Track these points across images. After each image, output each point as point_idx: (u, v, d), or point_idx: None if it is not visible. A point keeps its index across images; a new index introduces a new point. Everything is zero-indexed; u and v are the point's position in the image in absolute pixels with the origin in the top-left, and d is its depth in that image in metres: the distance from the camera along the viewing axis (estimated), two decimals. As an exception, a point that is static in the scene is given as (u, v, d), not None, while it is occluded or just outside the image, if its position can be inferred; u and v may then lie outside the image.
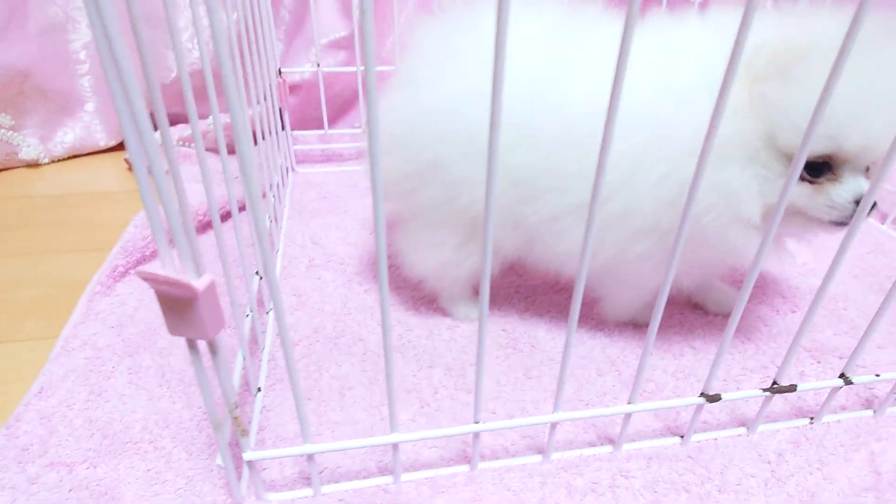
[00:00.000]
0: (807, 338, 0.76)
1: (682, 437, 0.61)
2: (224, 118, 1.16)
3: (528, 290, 0.85)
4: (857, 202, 0.54)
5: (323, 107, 1.16)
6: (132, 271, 0.86)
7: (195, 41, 1.16)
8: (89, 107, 1.26)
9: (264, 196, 0.99)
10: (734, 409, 0.65)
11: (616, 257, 0.64)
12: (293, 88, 1.24)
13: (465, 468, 0.58)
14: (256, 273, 0.77)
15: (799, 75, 0.51)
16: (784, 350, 0.74)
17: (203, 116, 1.17)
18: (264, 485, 0.56)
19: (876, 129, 0.51)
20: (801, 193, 0.56)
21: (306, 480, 0.56)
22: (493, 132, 0.37)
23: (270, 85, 1.04)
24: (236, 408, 0.47)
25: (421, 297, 0.83)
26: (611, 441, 0.61)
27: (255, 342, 0.73)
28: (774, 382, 0.58)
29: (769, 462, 0.59)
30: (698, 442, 0.61)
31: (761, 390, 0.58)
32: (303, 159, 1.25)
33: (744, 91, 0.53)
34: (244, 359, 0.62)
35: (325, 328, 0.77)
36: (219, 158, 1.00)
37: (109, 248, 0.90)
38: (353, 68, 1.13)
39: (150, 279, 0.37)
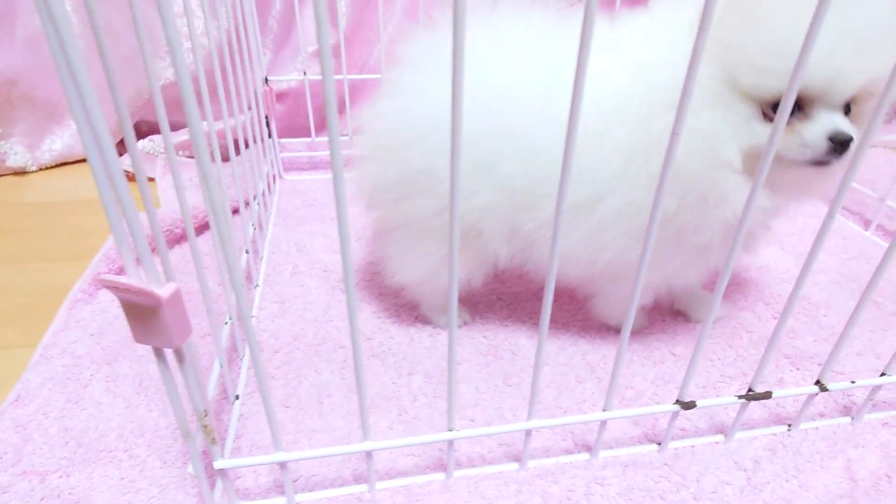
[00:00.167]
0: (787, 344, 0.76)
1: (659, 444, 0.61)
2: (217, 125, 1.16)
3: (511, 297, 0.85)
4: (832, 139, 0.52)
5: (310, 114, 1.17)
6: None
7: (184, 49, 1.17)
8: (77, 115, 1.26)
9: (248, 205, 0.99)
10: (713, 416, 0.65)
11: (618, 259, 0.63)
12: (281, 96, 1.24)
13: (440, 476, 0.58)
14: (237, 280, 0.77)
15: (752, 15, 0.51)
16: (768, 358, 0.74)
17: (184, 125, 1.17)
18: (238, 493, 0.56)
19: (838, 62, 0.49)
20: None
21: (281, 489, 0.56)
22: (454, 138, 0.37)
23: (256, 93, 1.05)
24: (206, 416, 0.47)
25: (402, 305, 0.83)
26: (588, 448, 0.61)
27: (236, 349, 0.73)
28: (750, 389, 0.58)
29: (745, 469, 0.58)
30: (676, 449, 0.61)
31: (736, 397, 0.58)
32: (290, 167, 1.25)
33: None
34: (221, 366, 0.62)
35: (306, 335, 0.77)
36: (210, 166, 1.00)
37: (94, 255, 0.90)
38: (339, 76, 1.13)
39: (112, 287, 0.37)
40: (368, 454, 0.53)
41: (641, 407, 0.59)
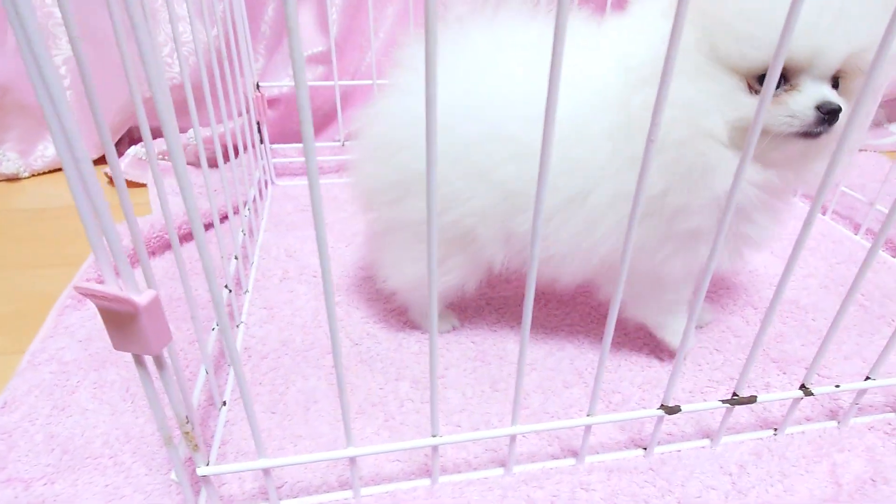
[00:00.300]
0: (775, 348, 0.76)
1: (645, 449, 0.61)
2: (204, 132, 1.17)
3: (500, 301, 0.85)
4: (819, 108, 0.51)
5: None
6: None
7: (175, 56, 1.17)
8: (70, 121, 1.26)
9: (237, 212, 1.00)
10: (699, 420, 0.65)
11: (614, 251, 0.62)
12: (273, 102, 1.25)
13: (426, 482, 0.58)
14: (226, 287, 0.77)
15: None
16: (752, 361, 0.74)
17: (183, 130, 1.18)
18: (223, 500, 0.56)
19: (822, 31, 0.49)
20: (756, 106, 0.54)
21: (266, 495, 0.56)
22: (429, 150, 0.38)
23: (248, 99, 1.05)
24: (187, 423, 0.47)
25: (391, 310, 0.83)
26: (574, 453, 0.61)
27: (224, 355, 0.73)
28: (735, 394, 0.59)
29: (730, 474, 0.59)
30: (661, 454, 0.61)
31: (720, 402, 0.58)
32: (282, 172, 1.25)
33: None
34: (207, 372, 0.62)
35: (294, 341, 0.77)
36: (200, 172, 1.01)
37: (84, 262, 0.90)
38: (330, 82, 1.14)
39: (89, 295, 0.37)
40: (352, 460, 0.53)
41: (628, 412, 0.59)
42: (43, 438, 0.61)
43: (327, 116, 1.27)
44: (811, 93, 0.52)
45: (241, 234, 0.91)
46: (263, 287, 0.88)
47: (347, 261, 0.95)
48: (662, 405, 0.57)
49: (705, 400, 0.68)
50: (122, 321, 0.39)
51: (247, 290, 0.86)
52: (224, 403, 0.66)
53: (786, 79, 0.53)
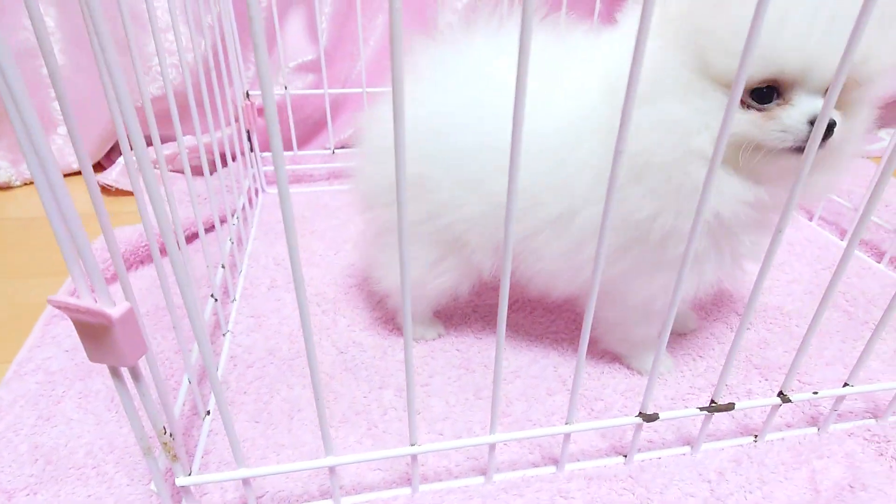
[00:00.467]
0: (757, 355, 0.77)
1: (625, 456, 0.62)
2: (190, 140, 1.17)
3: (486, 309, 0.86)
4: (813, 123, 0.50)
5: (291, 128, 1.18)
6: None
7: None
8: (62, 130, 1.27)
9: (223, 222, 1.00)
10: (680, 427, 0.66)
11: (602, 271, 0.64)
12: (263, 110, 1.25)
13: (406, 490, 0.58)
14: (212, 296, 0.77)
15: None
16: (735, 367, 0.75)
17: (171, 139, 1.18)
18: (204, 509, 0.56)
19: (813, 44, 0.48)
20: (750, 121, 0.52)
21: (247, 504, 0.56)
22: (398, 165, 0.38)
23: (237, 108, 1.06)
24: (165, 433, 0.47)
25: (378, 318, 0.83)
26: (555, 461, 0.61)
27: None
28: (713, 401, 0.59)
29: (709, 481, 0.59)
30: (642, 461, 0.62)
31: (699, 409, 0.59)
32: (274, 180, 1.25)
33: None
34: (190, 382, 0.63)
35: (280, 350, 0.77)
36: (195, 180, 1.02)
37: (71, 271, 0.90)
38: (320, 91, 1.15)
39: (63, 308, 0.38)
40: (331, 469, 0.53)
41: (606, 420, 0.59)
42: (27, 449, 0.61)
43: (318, 124, 1.27)
44: (804, 107, 0.51)
45: (230, 242, 0.92)
46: (251, 296, 0.88)
47: (336, 269, 0.96)
48: (641, 413, 0.58)
49: (686, 406, 0.68)
50: (96, 334, 0.39)
51: (234, 299, 0.87)
52: (208, 413, 0.66)
53: (778, 93, 0.52)
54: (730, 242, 0.60)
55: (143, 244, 0.94)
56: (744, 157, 0.53)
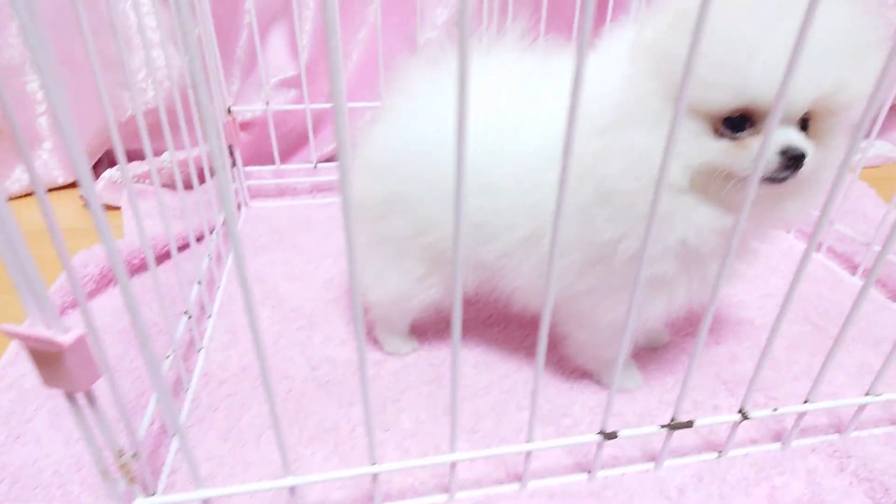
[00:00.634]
0: (726, 370, 0.78)
1: (589, 472, 0.62)
2: (179, 155, 1.18)
3: (461, 325, 0.86)
4: (784, 153, 0.51)
5: (273, 143, 1.19)
6: (70, 311, 0.87)
7: (149, 81, 1.19)
8: (47, 145, 1.28)
9: (200, 240, 1.01)
10: (646, 443, 0.66)
11: (567, 290, 0.65)
12: (248, 125, 1.26)
13: (370, 509, 0.59)
14: (186, 313, 0.78)
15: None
16: (703, 382, 0.76)
17: (158, 153, 1.19)
18: (167, 529, 0.56)
19: (783, 76, 0.47)
20: (722, 150, 0.52)
21: (211, 524, 0.57)
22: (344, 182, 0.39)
23: (219, 124, 1.07)
24: (122, 455, 0.48)
25: (354, 333, 0.84)
26: (519, 478, 0.62)
27: (181, 381, 0.74)
28: (673, 419, 0.60)
29: (670, 498, 0.59)
30: (605, 478, 0.62)
31: (658, 426, 0.59)
32: (257, 194, 1.27)
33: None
34: (159, 400, 0.63)
35: (253, 366, 0.78)
36: (175, 194, 1.02)
37: (49, 287, 0.91)
38: (301, 106, 1.16)
39: (14, 336, 0.39)
40: (292, 489, 0.54)
41: (566, 437, 0.60)
42: (-4, 467, 0.62)
43: (301, 139, 1.28)
44: (776, 138, 0.51)
45: (207, 258, 0.93)
46: (228, 311, 0.89)
47: (315, 283, 0.96)
48: (601, 431, 0.58)
49: (654, 422, 0.69)
50: (48, 360, 0.40)
51: (210, 315, 0.87)
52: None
53: (751, 122, 0.52)
54: (700, 267, 0.60)
55: (123, 260, 0.94)
56: (715, 185, 0.54)
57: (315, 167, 1.24)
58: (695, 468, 0.63)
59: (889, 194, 0.98)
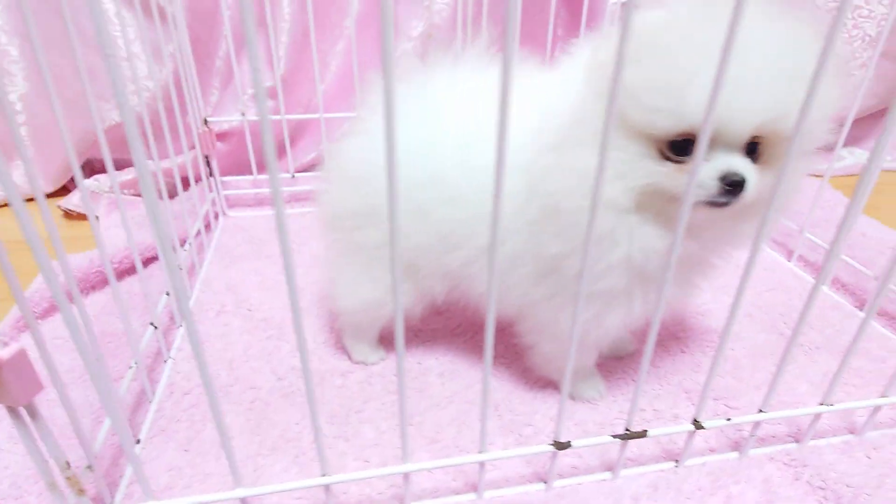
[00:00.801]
0: (689, 379, 0.78)
1: (545, 482, 0.62)
2: (160, 164, 1.19)
3: (428, 334, 0.87)
4: (723, 179, 0.51)
5: (250, 153, 1.19)
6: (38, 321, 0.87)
7: (128, 92, 1.20)
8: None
9: (167, 252, 1.01)
10: (604, 452, 0.67)
11: (522, 299, 0.66)
12: (226, 135, 1.27)
13: (325, 519, 0.59)
14: (152, 324, 0.78)
15: (640, 54, 0.49)
16: (666, 391, 0.76)
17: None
18: (122, 540, 0.57)
19: (726, 102, 0.47)
20: (666, 174, 0.53)
21: (165, 535, 0.57)
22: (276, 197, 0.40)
23: (192, 134, 1.08)
24: (68, 468, 0.48)
25: (322, 343, 0.84)
26: (475, 489, 0.62)
27: (145, 392, 0.74)
28: (626, 428, 0.60)
29: (624, 508, 0.60)
30: (562, 487, 0.62)
31: (611, 436, 0.60)
32: (235, 203, 1.27)
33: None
34: (112, 423, 0.63)
35: (219, 376, 0.78)
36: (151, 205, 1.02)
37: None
38: (278, 116, 1.17)
39: (-52, 351, 0.39)
40: (242, 501, 0.54)
41: (523, 448, 0.60)
42: (-46, 480, 0.62)
43: (279, 148, 1.29)
44: (717, 163, 0.51)
45: (179, 268, 0.93)
46: (199, 321, 0.89)
47: (287, 292, 0.96)
48: (554, 441, 0.59)
49: (614, 431, 0.69)
50: (-14, 374, 0.41)
51: (180, 325, 0.88)
52: (138, 441, 0.67)
53: (695, 146, 0.50)
54: (654, 282, 0.60)
55: (94, 270, 0.95)
56: (661, 206, 0.54)
57: (293, 177, 1.25)
58: (652, 477, 0.63)
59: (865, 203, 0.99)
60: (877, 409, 0.66)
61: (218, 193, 1.21)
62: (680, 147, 0.52)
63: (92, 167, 1.39)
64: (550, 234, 0.57)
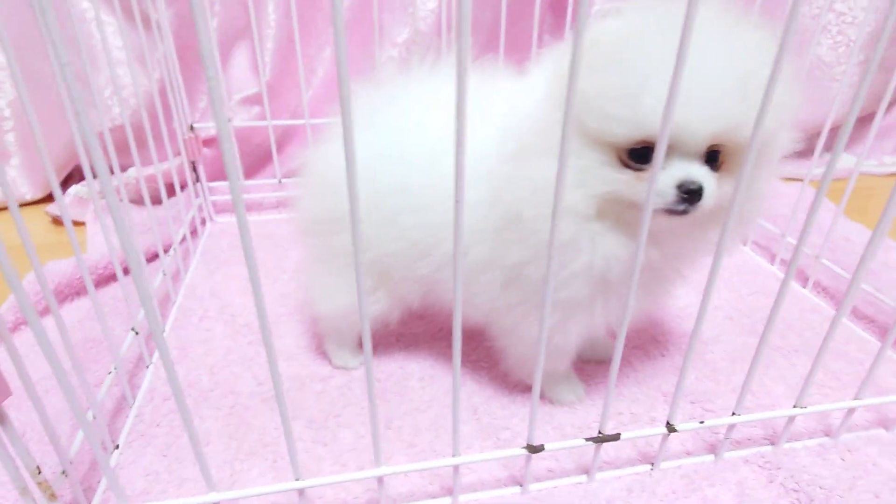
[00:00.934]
0: (667, 382, 0.79)
1: (521, 486, 0.63)
2: (146, 170, 1.19)
3: (410, 339, 0.87)
4: (680, 187, 0.51)
5: (236, 158, 1.20)
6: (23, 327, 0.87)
7: (115, 98, 1.20)
8: (14, 161, 1.29)
9: (154, 258, 1.01)
10: (581, 455, 0.67)
11: (489, 305, 0.67)
12: (212, 141, 1.27)
13: (300, 524, 0.59)
14: (133, 329, 0.79)
15: (597, 62, 0.50)
16: (644, 394, 0.77)
17: (122, 169, 1.20)
18: (96, 546, 0.57)
19: (682, 111, 0.47)
20: (625, 181, 0.53)
21: (140, 540, 0.57)
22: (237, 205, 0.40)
23: (179, 140, 1.08)
24: (39, 473, 0.48)
25: (303, 348, 0.85)
26: (451, 492, 0.62)
27: (126, 397, 0.74)
28: (599, 432, 0.60)
29: (597, 510, 0.60)
30: (538, 490, 0.63)
31: (585, 440, 0.60)
32: (223, 209, 1.27)
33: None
34: (95, 417, 0.64)
35: (200, 382, 0.78)
36: (139, 210, 1.03)
37: None
38: (263, 122, 1.17)
39: (-86, 356, 0.39)
40: (215, 505, 0.54)
41: (495, 451, 0.60)
42: (-70, 485, 0.62)
43: (267, 154, 1.30)
44: (675, 172, 0.52)
45: (162, 274, 0.93)
46: (181, 327, 0.90)
47: (270, 298, 0.97)
48: (527, 445, 0.59)
49: (592, 434, 0.70)
50: (-47, 380, 0.41)
51: (163, 331, 0.88)
52: (117, 447, 0.67)
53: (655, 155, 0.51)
54: (616, 289, 0.60)
55: (78, 277, 0.95)
56: (623, 214, 0.55)
57: (280, 182, 1.25)
58: (627, 480, 0.64)
59: (851, 206, 1.00)
60: (851, 411, 0.67)
61: (205, 199, 1.22)
62: (639, 155, 0.52)
63: (81, 173, 1.40)
64: (513, 241, 0.58)
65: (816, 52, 1.43)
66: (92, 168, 0.44)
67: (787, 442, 0.68)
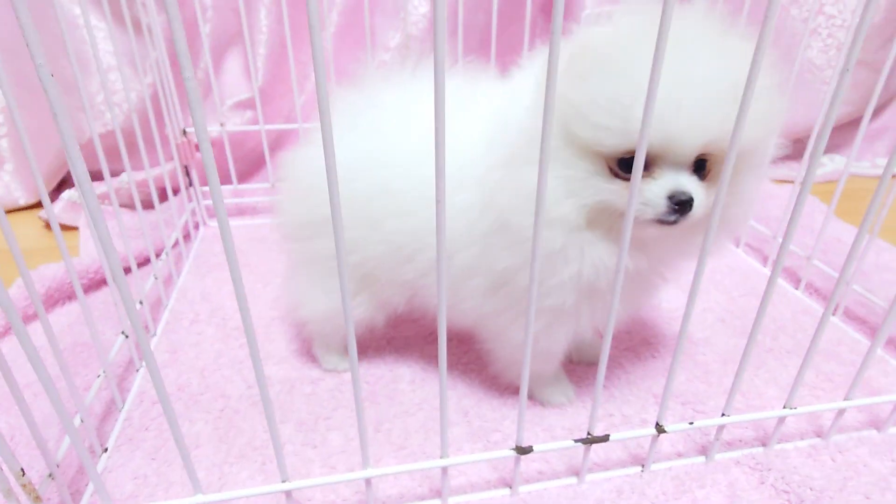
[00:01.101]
0: (659, 384, 0.78)
1: (510, 488, 0.63)
2: (137, 175, 1.19)
3: (401, 341, 0.87)
4: (671, 198, 0.51)
5: (230, 163, 1.20)
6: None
7: (106, 104, 1.20)
8: (8, 167, 1.29)
9: (145, 263, 1.01)
10: (571, 457, 0.67)
11: (476, 311, 0.66)
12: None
13: (288, 527, 0.59)
14: (123, 332, 0.78)
15: (587, 72, 0.50)
16: (635, 396, 0.76)
17: (115, 174, 1.20)
18: (82, 549, 0.56)
19: (673, 121, 0.48)
20: (615, 191, 0.53)
21: (127, 544, 0.57)
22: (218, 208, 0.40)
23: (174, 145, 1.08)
24: (23, 475, 0.48)
25: (293, 351, 0.84)
26: (439, 494, 0.62)
27: (115, 401, 0.74)
28: (588, 433, 0.60)
29: (587, 512, 0.60)
30: (528, 492, 0.62)
31: (573, 441, 0.60)
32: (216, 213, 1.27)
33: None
34: (83, 421, 0.63)
35: (190, 385, 0.78)
36: (132, 214, 1.03)
37: None
38: (256, 127, 1.17)
39: None
40: (201, 508, 0.54)
41: (484, 453, 0.60)
42: (-84, 490, 0.62)
43: (260, 158, 1.30)
44: (665, 182, 0.52)
45: (154, 278, 0.93)
46: (173, 330, 0.89)
47: (262, 302, 0.97)
48: (516, 446, 0.59)
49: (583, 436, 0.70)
50: (-66, 381, 0.41)
51: (154, 334, 0.88)
52: (105, 450, 0.67)
53: (645, 166, 0.51)
54: (603, 296, 0.60)
55: (69, 280, 0.95)
56: (612, 223, 0.55)
57: (273, 186, 1.25)
58: (617, 482, 0.63)
59: (842, 209, 1.00)
60: (841, 411, 0.67)
61: (198, 203, 1.21)
62: (629, 164, 0.51)
63: (71, 179, 1.40)
64: (502, 248, 0.58)
65: (807, 55, 1.44)
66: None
67: (778, 443, 0.67)
